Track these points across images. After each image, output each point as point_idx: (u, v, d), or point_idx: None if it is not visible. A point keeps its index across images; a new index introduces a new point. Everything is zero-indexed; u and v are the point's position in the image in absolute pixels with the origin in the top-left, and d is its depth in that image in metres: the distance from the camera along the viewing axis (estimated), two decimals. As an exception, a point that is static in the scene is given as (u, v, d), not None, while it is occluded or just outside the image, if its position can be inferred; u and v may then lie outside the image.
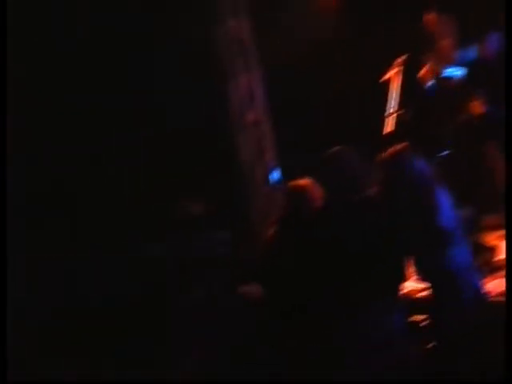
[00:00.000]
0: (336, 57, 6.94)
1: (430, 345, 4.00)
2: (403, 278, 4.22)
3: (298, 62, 6.71)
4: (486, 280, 4.33)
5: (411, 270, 4.36)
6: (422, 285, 4.26)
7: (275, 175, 6.80)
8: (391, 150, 4.21)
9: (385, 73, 6.15)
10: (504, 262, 4.12)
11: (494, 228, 5.08)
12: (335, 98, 6.87)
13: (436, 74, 5.95)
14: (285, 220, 4.50)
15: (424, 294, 4.27)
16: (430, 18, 5.88)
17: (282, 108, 6.73)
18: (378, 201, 4.12)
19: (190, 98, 6.45)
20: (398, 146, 4.22)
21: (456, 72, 5.83)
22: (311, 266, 4.11)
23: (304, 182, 4.42)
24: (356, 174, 4.24)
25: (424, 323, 4.17)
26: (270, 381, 4.19)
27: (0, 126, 4.20)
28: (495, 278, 4.47)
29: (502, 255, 4.67)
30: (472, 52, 5.75)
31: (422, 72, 6.02)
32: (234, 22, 6.62)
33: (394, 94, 6.10)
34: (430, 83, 6.01)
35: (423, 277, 4.15)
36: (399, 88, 6.07)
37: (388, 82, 6.14)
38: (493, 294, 4.19)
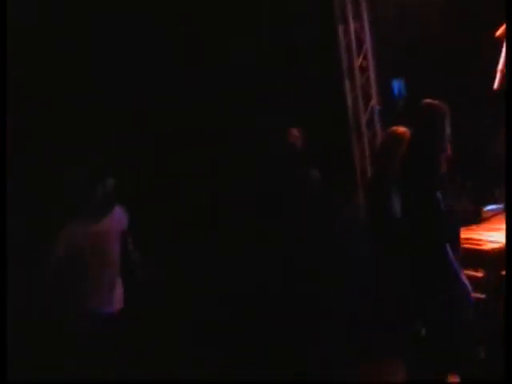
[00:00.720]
0: (447, 10, 6.97)
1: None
2: None
3: (407, 13, 6.80)
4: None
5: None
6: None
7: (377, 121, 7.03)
8: None
9: (497, 29, 6.09)
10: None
11: None
12: (445, 52, 6.91)
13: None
14: (382, 162, 4.71)
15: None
16: None
17: (388, 57, 6.87)
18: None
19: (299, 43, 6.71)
20: None
21: None
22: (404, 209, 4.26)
23: (402, 128, 4.59)
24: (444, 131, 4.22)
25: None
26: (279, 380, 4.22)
27: (0, 126, 4.20)
28: None
29: None
30: None
31: None
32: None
33: (503, 51, 6.03)
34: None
35: None
36: (507, 44, 5.94)
37: (501, 38, 6.05)
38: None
